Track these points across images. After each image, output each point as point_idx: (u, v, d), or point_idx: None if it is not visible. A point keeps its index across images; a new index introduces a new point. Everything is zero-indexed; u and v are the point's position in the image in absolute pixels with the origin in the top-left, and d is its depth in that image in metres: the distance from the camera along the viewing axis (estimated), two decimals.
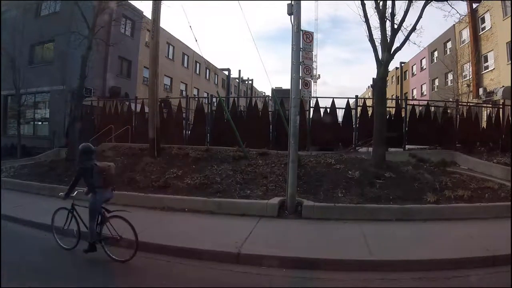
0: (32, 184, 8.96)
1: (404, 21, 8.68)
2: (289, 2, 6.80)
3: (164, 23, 20.91)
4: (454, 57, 20.94)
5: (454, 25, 21.03)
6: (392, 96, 29.02)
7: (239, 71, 38.49)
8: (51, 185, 8.55)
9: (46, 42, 16.97)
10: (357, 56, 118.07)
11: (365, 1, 8.77)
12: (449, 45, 24.42)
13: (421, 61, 28.45)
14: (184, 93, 24.55)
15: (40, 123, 17.90)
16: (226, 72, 35.50)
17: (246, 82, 40.62)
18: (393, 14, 8.81)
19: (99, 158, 9.85)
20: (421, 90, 28.18)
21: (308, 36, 7.04)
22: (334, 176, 8.04)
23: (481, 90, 19.56)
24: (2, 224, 6.04)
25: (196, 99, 16.06)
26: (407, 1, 8.70)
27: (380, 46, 8.88)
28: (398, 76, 33.96)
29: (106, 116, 13.83)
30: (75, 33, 12.47)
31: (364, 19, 8.75)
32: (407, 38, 8.68)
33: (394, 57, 9.00)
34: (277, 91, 16.30)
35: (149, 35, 21.75)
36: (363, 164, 8.74)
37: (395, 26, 8.76)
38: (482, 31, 20.38)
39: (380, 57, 8.81)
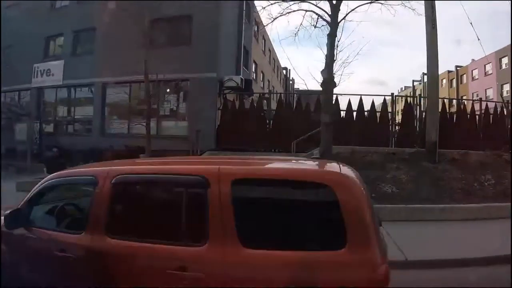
0: None
1: None
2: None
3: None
4: None
5: None
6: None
7: (289, 70, 37.67)
8: None
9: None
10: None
11: None
12: None
13: (485, 66, 29.42)
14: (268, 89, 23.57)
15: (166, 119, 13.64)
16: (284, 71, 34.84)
17: (290, 81, 40.01)
18: None
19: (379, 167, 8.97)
20: (486, 94, 29.12)
21: None
22: None
23: None
24: None
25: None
26: None
27: None
28: (452, 80, 34.92)
29: (280, 113, 12.43)
30: None
31: None
32: None
33: None
34: None
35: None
36: None
37: None
38: None
39: None
